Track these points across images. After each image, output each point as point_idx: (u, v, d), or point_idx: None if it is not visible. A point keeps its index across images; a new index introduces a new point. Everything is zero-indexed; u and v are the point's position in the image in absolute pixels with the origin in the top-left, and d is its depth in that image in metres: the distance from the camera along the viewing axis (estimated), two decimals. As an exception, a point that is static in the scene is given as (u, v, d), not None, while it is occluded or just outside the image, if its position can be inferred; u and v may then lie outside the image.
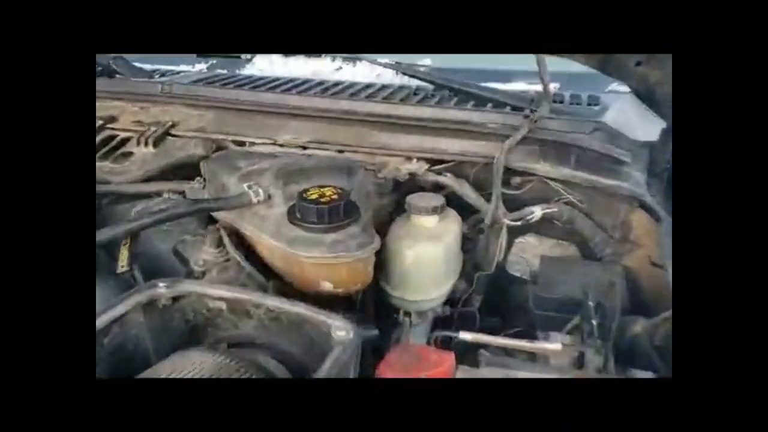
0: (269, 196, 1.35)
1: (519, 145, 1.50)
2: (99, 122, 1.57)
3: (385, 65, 1.96)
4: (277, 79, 1.91)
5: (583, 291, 1.27)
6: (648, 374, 1.01)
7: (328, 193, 1.28)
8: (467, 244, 1.70)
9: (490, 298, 1.59)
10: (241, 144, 1.60)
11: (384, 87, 1.88)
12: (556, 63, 1.49)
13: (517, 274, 1.83)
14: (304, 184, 1.36)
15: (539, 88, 1.60)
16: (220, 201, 1.36)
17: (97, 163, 1.48)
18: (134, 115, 1.64)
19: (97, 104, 1.55)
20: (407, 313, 1.59)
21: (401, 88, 1.90)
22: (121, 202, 1.51)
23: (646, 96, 1.57)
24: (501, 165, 1.58)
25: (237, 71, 2.12)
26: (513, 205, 1.60)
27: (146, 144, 1.55)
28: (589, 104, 1.88)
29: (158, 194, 1.50)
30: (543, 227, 1.58)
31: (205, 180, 1.47)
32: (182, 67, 2.17)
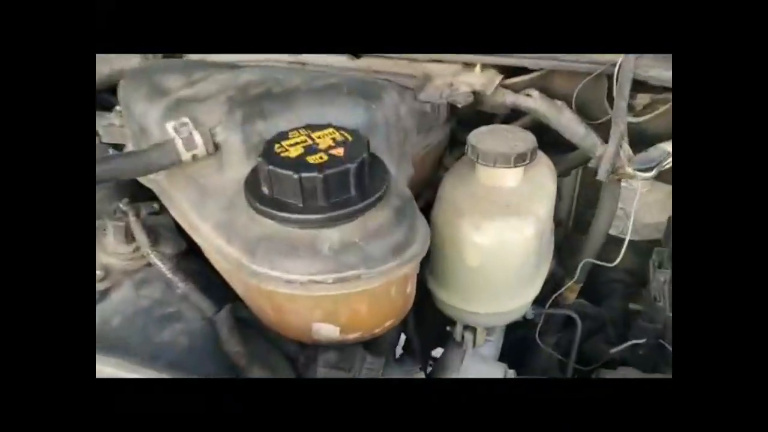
0: (215, 147, 0.70)
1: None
2: None
3: None
4: None
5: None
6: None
7: (324, 141, 0.63)
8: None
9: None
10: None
11: None
12: None
13: (612, 232, 1.20)
14: (281, 123, 0.71)
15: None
16: (115, 160, 0.71)
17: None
18: None
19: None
20: (468, 328, 0.97)
21: None
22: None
23: None
24: (629, 74, 0.91)
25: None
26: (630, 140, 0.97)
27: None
28: None
29: None
30: None
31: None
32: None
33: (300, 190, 0.59)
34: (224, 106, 0.73)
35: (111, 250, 0.75)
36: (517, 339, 1.17)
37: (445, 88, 0.94)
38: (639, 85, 0.95)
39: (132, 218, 0.75)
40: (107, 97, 1.02)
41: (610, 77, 1.03)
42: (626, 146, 0.94)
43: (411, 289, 0.69)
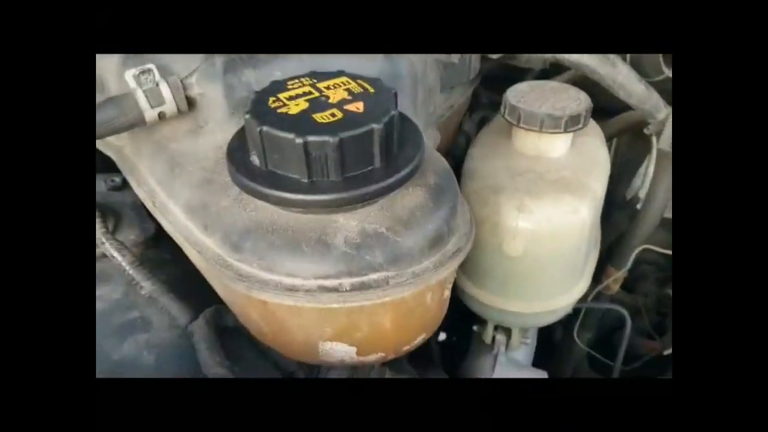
0: (189, 102, 0.53)
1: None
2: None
3: None
4: None
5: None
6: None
7: (337, 93, 0.46)
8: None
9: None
10: None
11: None
12: None
13: (670, 216, 1.06)
14: (275, 72, 0.53)
15: None
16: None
17: None
18: None
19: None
20: (501, 329, 0.81)
21: None
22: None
23: None
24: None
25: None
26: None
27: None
28: None
29: None
30: None
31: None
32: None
33: (305, 161, 0.41)
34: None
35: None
36: (540, 333, 1.03)
37: (477, 36, 0.76)
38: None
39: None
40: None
41: (670, 26, 0.87)
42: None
43: (448, 292, 0.52)
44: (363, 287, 0.43)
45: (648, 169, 0.94)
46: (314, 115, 0.43)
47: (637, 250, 0.91)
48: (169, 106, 0.53)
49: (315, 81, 0.48)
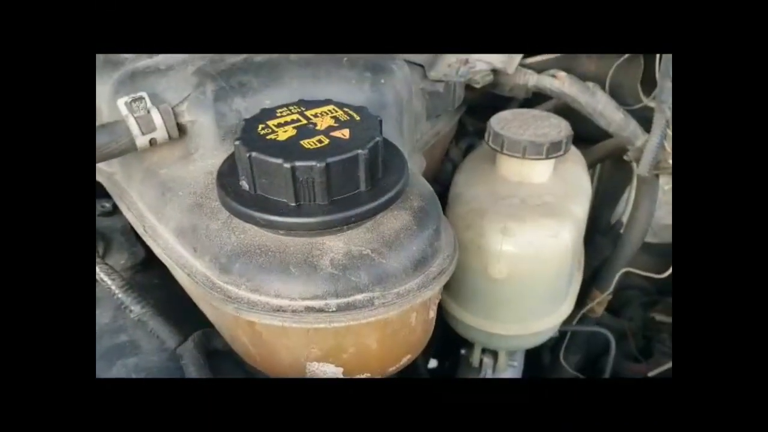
0: (179, 129, 0.54)
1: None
2: None
3: None
4: None
5: None
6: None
7: (324, 120, 0.48)
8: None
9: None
10: None
11: None
12: None
13: (654, 241, 1.08)
14: (264, 100, 0.55)
15: None
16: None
17: None
18: None
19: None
20: (488, 351, 0.82)
21: None
22: None
23: None
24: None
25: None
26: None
27: None
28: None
29: None
30: None
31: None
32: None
33: (292, 185, 0.43)
34: (192, 78, 0.57)
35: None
36: (528, 357, 1.03)
37: (461, 65, 0.79)
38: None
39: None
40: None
41: (646, 56, 0.90)
42: (671, 135, 0.80)
43: (434, 313, 0.53)
44: (349, 307, 0.44)
45: (630, 194, 0.96)
46: (302, 142, 0.45)
47: (619, 273, 0.93)
48: (160, 133, 0.54)
49: (303, 109, 0.50)
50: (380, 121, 0.48)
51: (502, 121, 0.75)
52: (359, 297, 0.44)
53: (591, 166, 1.04)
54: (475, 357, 0.83)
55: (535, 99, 0.94)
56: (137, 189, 0.59)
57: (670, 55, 0.77)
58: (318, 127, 0.47)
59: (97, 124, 0.59)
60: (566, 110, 0.86)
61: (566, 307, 0.78)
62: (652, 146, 0.79)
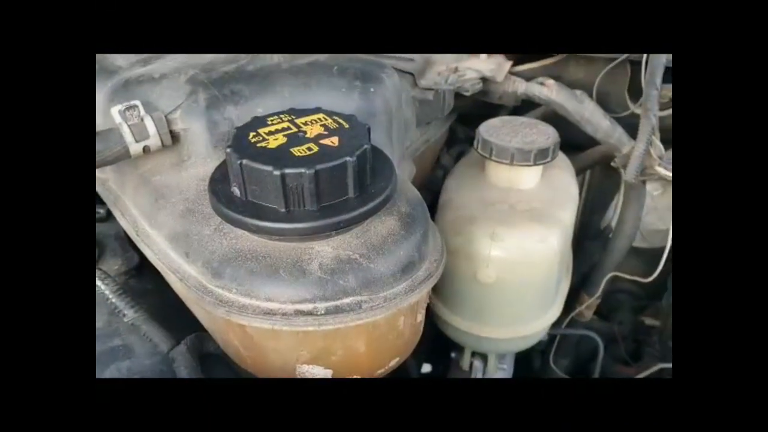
0: (172, 137, 0.56)
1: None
2: None
3: None
4: None
5: None
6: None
7: (313, 128, 0.49)
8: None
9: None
10: None
11: None
12: None
13: (644, 245, 1.10)
14: (256, 109, 0.56)
15: None
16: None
17: None
18: None
19: None
20: (478, 355, 0.83)
21: None
22: None
23: None
24: (662, 59, 0.79)
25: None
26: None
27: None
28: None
29: None
30: None
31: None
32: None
33: (282, 191, 0.44)
34: (185, 86, 0.58)
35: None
36: (519, 360, 1.04)
37: (450, 74, 0.80)
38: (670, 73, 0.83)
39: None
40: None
41: (633, 64, 0.92)
42: (657, 142, 0.81)
43: (422, 317, 0.55)
44: (337, 311, 0.45)
45: (619, 200, 0.98)
46: (292, 149, 0.46)
47: (607, 277, 0.94)
48: (154, 141, 0.55)
49: (293, 117, 0.51)
50: (369, 129, 0.49)
51: (491, 129, 0.76)
52: (347, 300, 0.46)
53: (579, 173, 1.05)
54: (465, 360, 0.84)
55: (524, 106, 0.95)
56: (131, 195, 0.60)
57: (659, 62, 0.79)
58: (308, 135, 0.48)
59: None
60: (555, 117, 0.87)
61: (555, 311, 0.79)
62: (639, 153, 0.80)
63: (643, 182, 0.90)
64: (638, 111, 0.87)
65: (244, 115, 0.55)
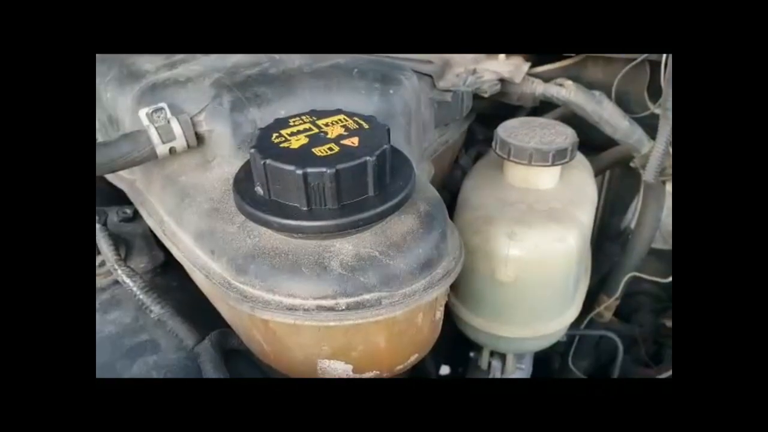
0: (198, 138, 0.57)
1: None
2: None
3: None
4: None
5: None
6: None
7: (334, 129, 0.50)
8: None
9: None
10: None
11: None
12: None
13: (664, 247, 1.09)
14: (278, 111, 0.58)
15: None
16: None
17: None
18: None
19: None
20: (496, 354, 0.84)
21: None
22: None
23: None
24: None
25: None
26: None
27: None
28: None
29: None
30: None
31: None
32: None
33: (304, 190, 0.45)
34: (210, 90, 0.59)
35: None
36: (538, 361, 1.05)
37: (469, 75, 0.81)
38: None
39: (97, 225, 0.61)
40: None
41: (652, 64, 0.92)
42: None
43: (440, 314, 0.56)
44: (357, 306, 0.46)
45: (639, 201, 0.98)
46: (313, 149, 0.47)
47: (626, 277, 0.94)
48: (180, 142, 0.57)
49: (315, 118, 0.52)
50: (388, 130, 0.50)
51: (509, 129, 0.77)
52: (367, 297, 0.47)
53: (598, 174, 1.05)
54: (484, 360, 0.85)
55: (543, 107, 0.96)
56: (157, 195, 0.62)
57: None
58: (329, 136, 0.49)
59: (120, 134, 0.62)
60: (573, 118, 0.88)
61: (573, 311, 0.79)
62: (658, 153, 0.80)
63: (663, 183, 0.90)
64: (658, 111, 0.87)
65: (267, 116, 0.56)
